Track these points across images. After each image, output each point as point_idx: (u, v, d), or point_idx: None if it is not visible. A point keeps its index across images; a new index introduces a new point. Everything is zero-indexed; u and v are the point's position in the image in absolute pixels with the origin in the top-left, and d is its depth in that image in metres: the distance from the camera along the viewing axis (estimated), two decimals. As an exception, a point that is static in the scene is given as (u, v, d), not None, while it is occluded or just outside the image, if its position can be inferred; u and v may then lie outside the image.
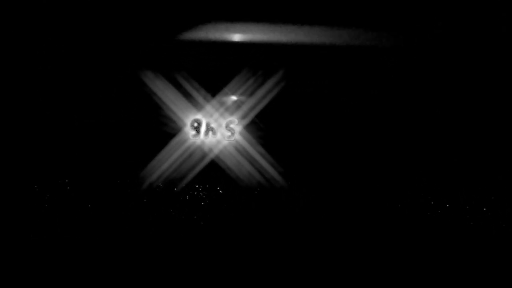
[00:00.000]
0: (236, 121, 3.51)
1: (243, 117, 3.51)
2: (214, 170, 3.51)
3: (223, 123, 3.52)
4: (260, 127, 3.47)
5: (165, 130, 3.51)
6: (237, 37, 3.42)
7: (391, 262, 3.19)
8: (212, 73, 3.51)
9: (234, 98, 3.51)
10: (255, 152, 3.48)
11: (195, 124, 3.52)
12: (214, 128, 3.53)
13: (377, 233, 3.31)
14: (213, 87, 3.50)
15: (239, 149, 3.51)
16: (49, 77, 3.30)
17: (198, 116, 3.53)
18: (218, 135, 3.52)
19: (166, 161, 3.48)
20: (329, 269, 3.22)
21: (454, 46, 3.02)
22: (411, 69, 3.20)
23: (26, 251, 3.17)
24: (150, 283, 3.21)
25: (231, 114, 3.52)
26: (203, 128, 3.52)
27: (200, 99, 3.51)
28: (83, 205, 3.36)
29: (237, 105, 3.51)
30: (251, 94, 3.48)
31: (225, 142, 3.52)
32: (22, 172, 3.33)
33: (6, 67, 3.16)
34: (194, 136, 3.52)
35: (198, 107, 3.52)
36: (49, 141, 3.35)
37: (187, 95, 3.51)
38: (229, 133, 3.51)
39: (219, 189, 3.50)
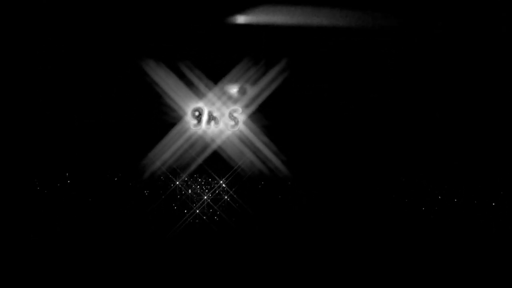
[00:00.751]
0: (240, 110, 3.38)
1: (247, 106, 3.39)
2: (216, 161, 3.38)
3: (226, 112, 3.38)
4: (265, 115, 3.38)
5: (164, 119, 3.28)
6: (241, 19, 3.25)
7: (395, 253, 3.29)
8: (214, 59, 3.32)
9: (237, 85, 3.36)
10: (260, 143, 3.40)
11: (197, 113, 3.33)
12: (217, 117, 3.37)
13: (380, 224, 3.40)
14: (216, 74, 3.32)
15: (243, 139, 3.40)
16: (47, 65, 2.91)
17: (200, 104, 3.34)
18: (221, 125, 3.38)
19: (165, 152, 3.27)
20: (332, 261, 3.27)
21: (458, 40, 3.16)
22: (417, 55, 3.29)
23: (28, 244, 2.91)
24: (151, 275, 3.08)
25: (235, 102, 3.38)
26: (204, 117, 3.34)
27: (201, 86, 3.31)
28: (83, 196, 3.08)
29: (241, 93, 3.38)
30: (256, 81, 3.36)
31: (228, 132, 3.38)
32: (23, 163, 2.96)
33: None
34: (196, 125, 3.33)
35: (199, 95, 3.33)
36: (48, 132, 2.99)
37: (188, 83, 3.29)
38: (232, 123, 3.38)
39: (222, 181, 3.39)
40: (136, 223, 3.21)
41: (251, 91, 3.37)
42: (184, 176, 3.33)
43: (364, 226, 3.37)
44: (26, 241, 2.97)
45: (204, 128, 3.35)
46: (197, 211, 3.33)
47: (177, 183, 3.33)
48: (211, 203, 3.36)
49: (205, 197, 3.36)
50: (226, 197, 3.38)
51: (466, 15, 3.15)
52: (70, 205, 3.10)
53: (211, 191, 3.38)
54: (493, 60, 3.13)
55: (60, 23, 2.80)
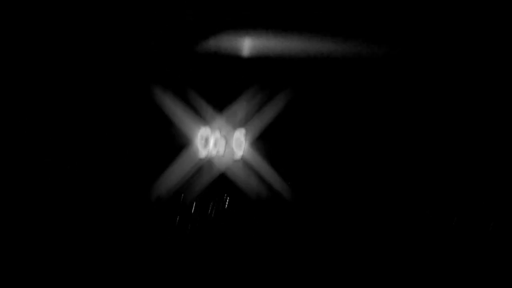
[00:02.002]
0: (244, 137, 3.50)
1: (251, 133, 3.51)
2: (221, 185, 3.47)
3: (232, 139, 3.51)
4: (269, 143, 3.49)
5: (171, 145, 3.44)
6: (246, 47, 3.43)
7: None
8: (220, 87, 3.50)
9: (242, 113, 3.51)
10: (263, 168, 3.48)
11: (203, 140, 3.48)
12: (222, 143, 3.50)
13: (383, 249, 3.36)
14: (222, 102, 3.49)
15: (247, 165, 3.49)
16: (56, 85, 3.21)
17: (206, 131, 3.49)
18: (226, 151, 3.50)
19: (172, 177, 3.40)
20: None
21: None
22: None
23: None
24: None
25: (239, 129, 3.52)
26: (211, 144, 3.48)
27: (208, 113, 3.48)
28: (90, 219, 3.21)
29: (246, 120, 3.52)
30: (260, 109, 3.50)
31: (233, 158, 3.50)
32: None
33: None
34: (202, 151, 3.47)
35: (205, 122, 3.49)
36: (58, 150, 3.22)
37: (194, 109, 3.47)
38: (237, 150, 3.50)
39: (226, 205, 3.45)
40: (142, 244, 3.28)
41: (256, 118, 3.51)
42: (190, 200, 3.42)
43: (367, 252, 3.33)
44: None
45: (210, 154, 3.48)
46: (202, 230, 3.37)
47: (182, 206, 3.42)
48: (215, 225, 3.41)
49: (210, 220, 3.41)
50: (230, 219, 3.42)
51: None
52: (77, 225, 3.21)
53: (216, 215, 3.44)
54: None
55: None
